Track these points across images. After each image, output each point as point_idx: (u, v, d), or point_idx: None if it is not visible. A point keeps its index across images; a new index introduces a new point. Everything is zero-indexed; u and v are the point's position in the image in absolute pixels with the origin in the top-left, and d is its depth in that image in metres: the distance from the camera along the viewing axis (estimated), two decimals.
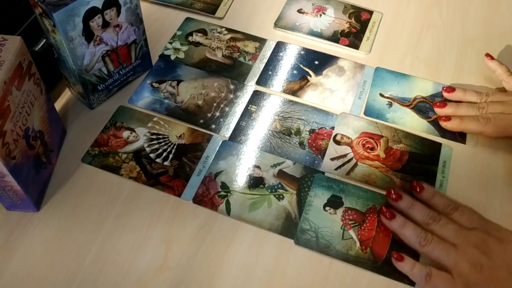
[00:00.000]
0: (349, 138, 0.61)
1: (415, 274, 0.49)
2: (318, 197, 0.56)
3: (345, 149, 0.60)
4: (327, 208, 0.55)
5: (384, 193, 0.56)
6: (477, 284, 0.47)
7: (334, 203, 0.56)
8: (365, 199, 0.56)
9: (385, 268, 0.51)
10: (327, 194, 0.56)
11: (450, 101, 0.64)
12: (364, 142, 0.61)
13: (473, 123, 0.59)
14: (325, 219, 0.54)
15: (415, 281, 0.50)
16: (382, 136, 0.61)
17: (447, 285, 0.48)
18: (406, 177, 0.58)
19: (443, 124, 0.61)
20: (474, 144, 0.61)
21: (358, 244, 0.53)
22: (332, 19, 0.75)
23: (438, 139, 0.61)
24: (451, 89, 0.64)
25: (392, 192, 0.54)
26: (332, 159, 0.59)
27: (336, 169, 0.58)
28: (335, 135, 0.61)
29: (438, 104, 0.63)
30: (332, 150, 0.60)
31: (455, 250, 0.49)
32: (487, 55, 0.66)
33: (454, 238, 0.49)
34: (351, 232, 0.54)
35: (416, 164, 0.59)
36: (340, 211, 0.55)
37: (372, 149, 0.60)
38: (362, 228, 0.54)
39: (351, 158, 0.59)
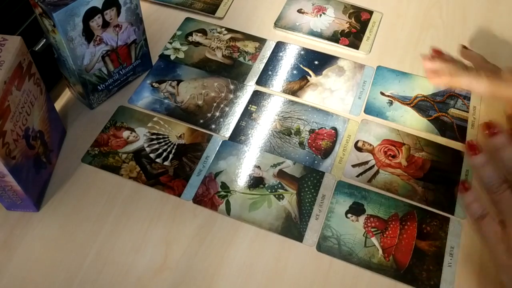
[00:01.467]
0: (370, 145, 0.61)
1: (472, 208, 0.46)
2: (340, 204, 0.56)
3: (366, 156, 0.60)
4: (349, 215, 0.55)
5: (407, 201, 0.56)
6: None
7: (356, 210, 0.55)
8: (387, 207, 0.56)
9: (408, 276, 0.51)
10: (349, 201, 0.56)
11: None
12: (386, 149, 0.60)
13: (464, 76, 0.55)
14: (347, 226, 0.54)
15: (468, 215, 0.47)
16: (403, 144, 0.61)
17: (494, 236, 0.45)
18: (428, 185, 0.58)
19: (432, 80, 0.57)
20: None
21: (380, 251, 0.53)
22: (332, 19, 0.75)
23: (461, 147, 0.61)
24: (439, 51, 0.61)
25: (490, 125, 0.46)
26: (353, 166, 0.59)
27: (357, 176, 0.58)
28: (357, 142, 0.61)
29: (427, 57, 0.59)
30: (354, 156, 0.60)
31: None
32: (463, 46, 0.63)
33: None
34: (374, 240, 0.53)
35: (438, 172, 0.59)
36: (362, 218, 0.55)
37: (394, 156, 0.60)
38: (385, 235, 0.54)
39: (373, 165, 0.59)
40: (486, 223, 0.46)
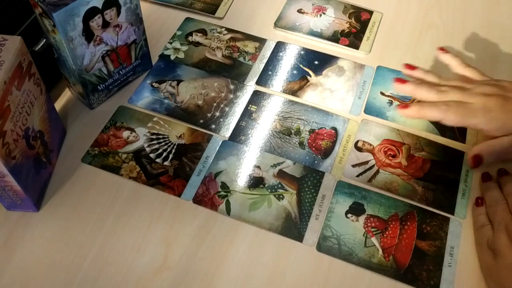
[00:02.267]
0: (370, 145, 0.61)
1: (478, 219, 0.54)
2: (340, 204, 0.56)
3: (366, 156, 0.60)
4: (349, 215, 0.55)
5: (407, 201, 0.56)
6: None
7: (356, 210, 0.55)
8: (387, 207, 0.56)
9: (408, 276, 0.51)
10: (349, 201, 0.56)
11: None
12: (386, 149, 0.60)
13: (433, 110, 0.55)
14: (347, 226, 0.54)
15: (473, 224, 0.54)
16: (404, 144, 0.61)
17: (487, 242, 0.51)
18: (428, 185, 0.58)
19: (402, 111, 0.57)
20: (473, 144, 0.61)
21: (380, 251, 0.53)
22: (332, 19, 0.75)
23: (460, 147, 0.61)
24: (412, 67, 0.61)
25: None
26: (353, 166, 0.59)
27: (357, 176, 0.58)
28: (357, 142, 0.61)
29: (398, 79, 0.59)
30: (354, 156, 0.60)
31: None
32: (440, 48, 0.63)
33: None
34: (374, 240, 0.53)
35: (438, 172, 0.59)
36: (362, 218, 0.55)
37: (394, 156, 0.60)
38: (385, 235, 0.54)
39: (373, 165, 0.59)
40: (483, 231, 0.52)
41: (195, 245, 0.53)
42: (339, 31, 0.73)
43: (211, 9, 0.75)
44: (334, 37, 0.72)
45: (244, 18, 0.74)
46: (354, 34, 0.72)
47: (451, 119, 0.55)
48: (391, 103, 0.65)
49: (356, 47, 0.71)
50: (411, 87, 0.58)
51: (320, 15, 0.75)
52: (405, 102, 0.65)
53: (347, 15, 0.75)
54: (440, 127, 0.62)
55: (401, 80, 0.59)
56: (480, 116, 0.54)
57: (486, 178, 0.57)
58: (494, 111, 0.54)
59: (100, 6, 0.54)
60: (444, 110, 0.54)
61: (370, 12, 0.76)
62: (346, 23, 0.74)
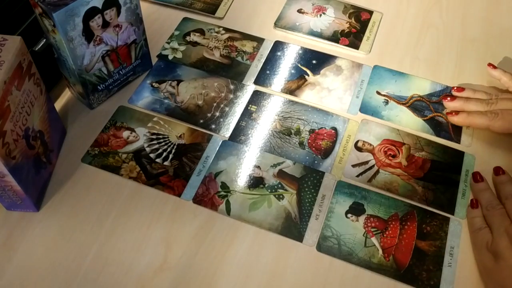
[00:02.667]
0: (370, 145, 0.61)
1: (474, 222, 0.54)
2: (340, 203, 0.56)
3: (366, 156, 0.60)
4: (349, 215, 0.55)
5: (407, 200, 0.56)
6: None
7: (356, 210, 0.55)
8: (387, 207, 0.56)
9: (408, 276, 0.51)
10: (349, 201, 0.56)
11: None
12: (386, 149, 0.60)
13: (480, 117, 0.59)
14: (347, 226, 0.54)
15: (469, 226, 0.54)
16: (403, 144, 0.61)
17: (486, 245, 0.51)
18: (428, 185, 0.58)
19: (451, 118, 0.61)
20: (468, 144, 0.61)
21: (380, 251, 0.53)
22: (332, 19, 0.75)
23: (460, 147, 0.61)
24: (460, 88, 0.64)
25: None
26: (353, 166, 0.59)
27: (357, 176, 0.58)
28: (357, 142, 0.61)
29: (448, 98, 0.63)
30: (354, 156, 0.60)
31: None
32: (490, 64, 0.65)
33: None
34: (374, 240, 0.53)
35: (438, 172, 0.59)
36: (362, 218, 0.55)
37: (394, 156, 0.60)
38: (385, 235, 0.54)
39: (373, 165, 0.59)
40: (481, 234, 0.51)
41: (195, 245, 0.53)
42: (339, 31, 0.73)
43: (211, 9, 0.75)
44: (334, 37, 0.72)
45: (244, 18, 0.74)
46: (354, 34, 0.72)
47: (498, 125, 0.58)
48: (386, 102, 0.65)
49: (356, 47, 0.71)
50: (460, 102, 0.62)
51: (320, 15, 0.75)
52: (400, 101, 0.65)
53: (347, 15, 0.75)
54: (435, 127, 0.62)
55: (451, 97, 0.63)
56: None
57: (478, 178, 0.57)
58: None
59: (100, 6, 0.54)
60: (491, 117, 0.58)
61: (370, 12, 0.76)
62: (346, 23, 0.74)
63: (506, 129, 0.58)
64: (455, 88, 0.64)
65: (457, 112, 0.61)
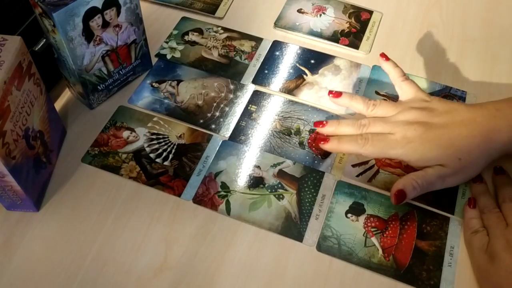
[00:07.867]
0: None
1: (470, 223, 0.53)
2: (340, 203, 0.56)
3: None
4: (349, 215, 0.55)
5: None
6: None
7: (356, 210, 0.55)
8: (387, 206, 0.56)
9: (408, 276, 0.51)
10: (349, 200, 0.56)
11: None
12: None
13: (351, 144, 0.55)
14: (347, 226, 0.54)
15: (465, 228, 0.54)
16: None
17: (482, 247, 0.50)
18: None
19: (322, 146, 0.57)
20: None
21: (380, 251, 0.53)
22: (332, 19, 0.75)
23: None
24: (338, 93, 0.60)
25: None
26: (353, 166, 0.59)
27: (357, 175, 0.58)
28: None
29: (318, 123, 0.59)
30: (354, 156, 0.60)
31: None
32: (382, 55, 0.61)
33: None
34: (374, 240, 0.53)
35: None
36: (362, 218, 0.55)
37: None
38: (385, 235, 0.54)
39: (373, 165, 0.59)
40: (478, 237, 0.52)
41: (195, 245, 0.53)
42: (339, 31, 0.73)
43: (211, 9, 0.75)
44: (334, 37, 0.72)
45: (244, 18, 0.74)
46: (354, 34, 0.72)
47: (369, 152, 0.55)
48: None
49: (356, 47, 0.71)
50: (332, 127, 0.58)
51: (320, 15, 0.75)
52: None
53: (347, 15, 0.75)
54: None
55: (322, 124, 0.59)
56: (399, 148, 0.54)
57: (478, 179, 0.57)
58: (413, 141, 0.53)
59: (100, 6, 0.54)
60: (362, 144, 0.55)
61: (370, 12, 0.76)
62: (346, 23, 0.74)
63: (376, 154, 0.56)
64: (333, 92, 0.60)
65: (327, 139, 0.57)
